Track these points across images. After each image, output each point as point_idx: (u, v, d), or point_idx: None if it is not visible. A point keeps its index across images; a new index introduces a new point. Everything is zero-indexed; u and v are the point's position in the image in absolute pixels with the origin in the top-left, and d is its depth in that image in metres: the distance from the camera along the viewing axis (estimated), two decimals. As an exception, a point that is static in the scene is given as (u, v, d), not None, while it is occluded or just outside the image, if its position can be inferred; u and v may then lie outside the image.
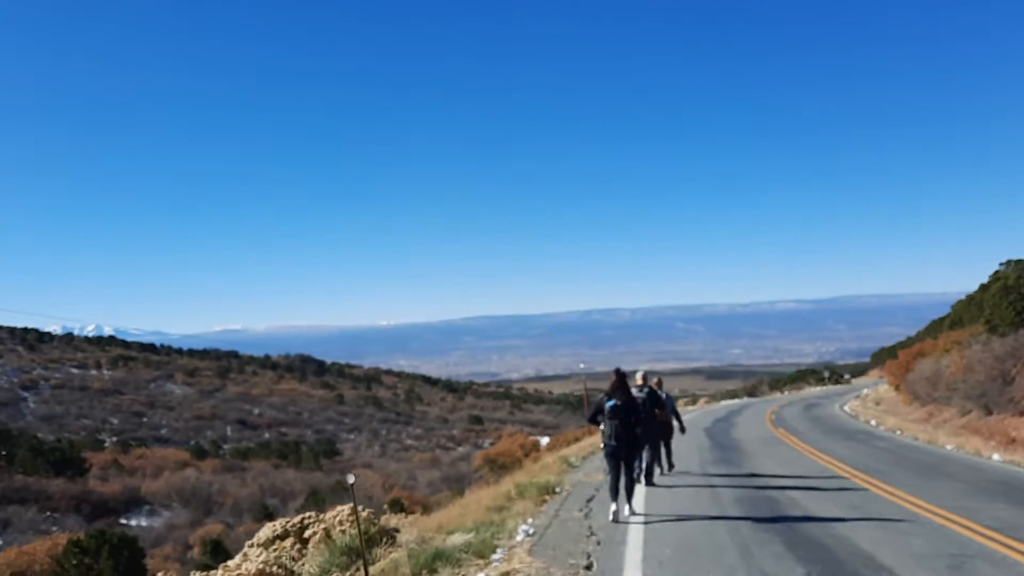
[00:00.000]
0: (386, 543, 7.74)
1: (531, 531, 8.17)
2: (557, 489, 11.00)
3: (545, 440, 68.27)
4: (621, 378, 9.38)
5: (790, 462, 14.39)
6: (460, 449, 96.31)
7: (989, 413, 31.77)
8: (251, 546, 7.95)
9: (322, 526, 7.96)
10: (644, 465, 11.84)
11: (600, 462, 14.17)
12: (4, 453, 51.84)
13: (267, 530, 8.21)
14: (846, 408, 41.54)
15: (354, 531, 8.05)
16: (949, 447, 18.34)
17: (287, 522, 8.29)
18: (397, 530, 8.65)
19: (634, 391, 10.91)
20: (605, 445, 9.30)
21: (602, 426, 9.32)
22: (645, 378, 12.14)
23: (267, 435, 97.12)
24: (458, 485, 64.71)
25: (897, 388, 53.93)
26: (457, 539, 7.44)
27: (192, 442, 76.92)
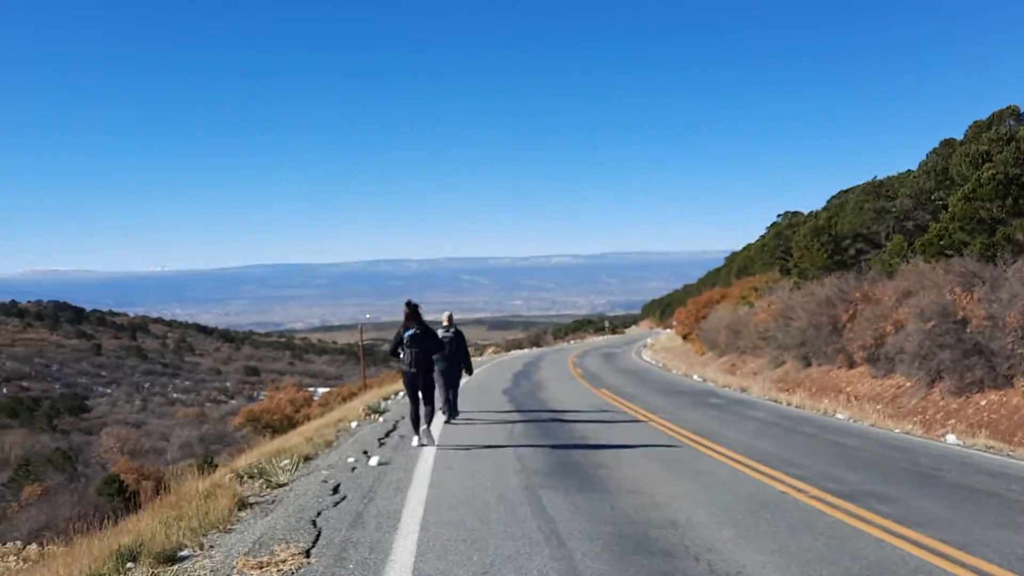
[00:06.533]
0: None
1: None
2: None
3: (322, 391, 60.38)
4: (413, 309, 9.06)
5: (701, 477, 7.73)
6: (232, 402, 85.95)
7: (808, 364, 27.64)
8: None
9: None
10: (451, 401, 11.70)
11: (312, 489, 6.70)
12: None
13: None
14: (646, 357, 36.91)
15: None
16: (841, 416, 12.84)
17: None
18: None
19: (440, 332, 11.05)
20: (404, 373, 9.13)
21: (401, 355, 9.03)
22: (451, 318, 11.76)
23: (4, 390, 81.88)
24: (215, 447, 55.13)
25: (685, 337, 50.93)
26: None
27: None
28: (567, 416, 12.30)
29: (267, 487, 7.59)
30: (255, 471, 8.09)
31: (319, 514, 5.85)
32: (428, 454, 8.50)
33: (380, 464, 7.90)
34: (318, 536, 5.21)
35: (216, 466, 32.42)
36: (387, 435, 10.25)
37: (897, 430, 11.63)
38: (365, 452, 8.82)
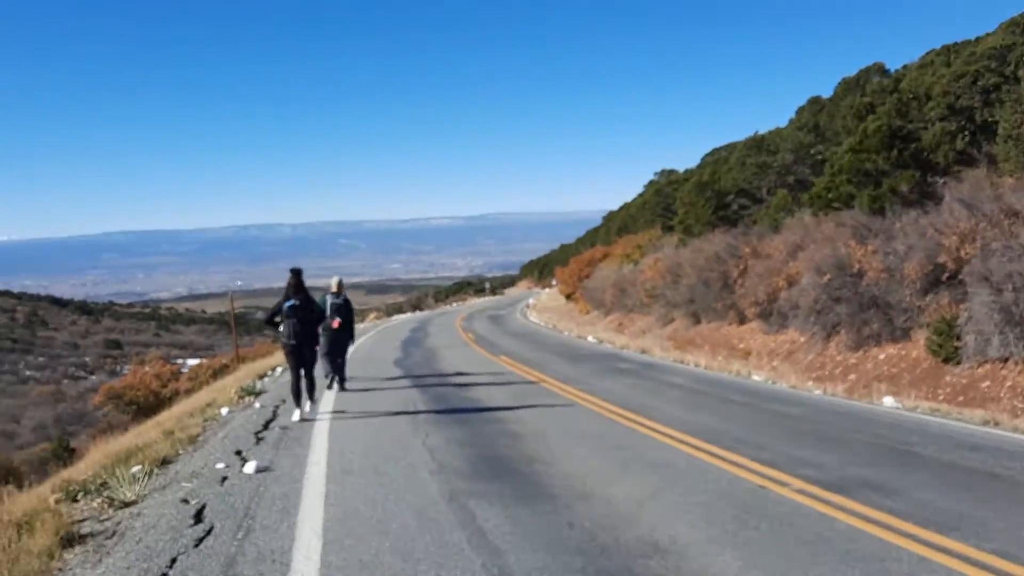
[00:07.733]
0: None
1: None
2: None
3: (192, 363, 56.56)
4: (298, 277, 8.51)
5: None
6: (93, 378, 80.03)
7: (697, 321, 27.31)
8: None
9: None
10: (338, 371, 11.31)
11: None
12: None
13: None
14: (532, 319, 35.94)
15: None
16: (758, 377, 12.04)
17: None
18: None
19: (330, 299, 10.97)
20: (285, 345, 8.61)
21: (281, 327, 8.52)
22: (340, 285, 11.26)
23: None
24: (73, 428, 50.60)
25: (569, 296, 50.43)
26: None
27: None
28: (472, 392, 10.89)
29: (108, 507, 5.82)
30: (93, 484, 6.28)
31: (173, 563, 4.19)
32: (320, 452, 6.90)
33: (259, 471, 6.23)
34: (171, 607, 3.60)
35: (73, 451, 29.16)
36: (266, 426, 8.51)
37: (819, 392, 10.91)
38: (239, 452, 7.08)
